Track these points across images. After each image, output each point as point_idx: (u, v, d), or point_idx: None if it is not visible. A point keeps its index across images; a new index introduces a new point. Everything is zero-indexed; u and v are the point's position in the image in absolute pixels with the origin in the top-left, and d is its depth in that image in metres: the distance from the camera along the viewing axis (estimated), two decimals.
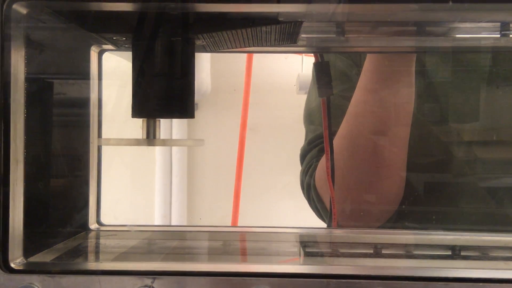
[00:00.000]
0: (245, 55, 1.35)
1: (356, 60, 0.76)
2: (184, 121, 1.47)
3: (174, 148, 1.55)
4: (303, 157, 0.78)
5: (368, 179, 0.68)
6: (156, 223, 1.55)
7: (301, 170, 0.79)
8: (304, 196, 0.78)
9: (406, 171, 0.68)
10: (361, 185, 0.68)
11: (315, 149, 0.76)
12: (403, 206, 0.69)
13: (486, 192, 0.71)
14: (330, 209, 0.66)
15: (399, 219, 0.70)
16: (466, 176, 0.72)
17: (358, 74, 0.73)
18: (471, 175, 0.72)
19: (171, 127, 1.51)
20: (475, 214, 0.71)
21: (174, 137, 1.49)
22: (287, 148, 1.37)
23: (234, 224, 1.34)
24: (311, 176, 0.74)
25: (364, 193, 0.68)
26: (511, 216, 0.71)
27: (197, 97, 1.44)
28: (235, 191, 1.37)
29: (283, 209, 1.43)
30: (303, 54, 1.29)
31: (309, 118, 0.80)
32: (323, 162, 0.71)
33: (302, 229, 0.65)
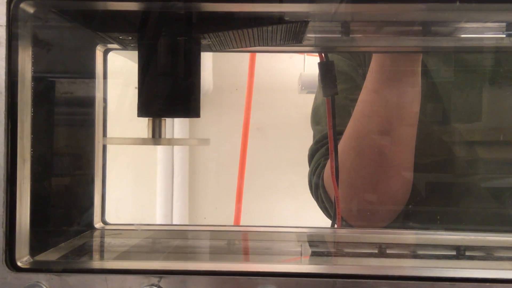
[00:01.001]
0: (247, 54, 1.35)
1: (359, 61, 0.76)
2: (186, 120, 1.47)
3: (176, 148, 1.55)
4: (311, 157, 0.78)
5: (375, 179, 0.68)
6: (157, 223, 1.55)
7: (309, 170, 0.79)
8: (312, 195, 0.78)
9: (412, 171, 0.68)
10: (368, 184, 0.68)
11: (323, 148, 0.76)
12: (410, 206, 0.69)
13: (491, 192, 0.71)
14: (334, 208, 0.66)
15: (406, 218, 0.70)
16: (472, 176, 0.72)
17: (361, 75, 0.73)
18: (477, 175, 0.72)
19: (172, 126, 1.51)
20: (480, 214, 0.71)
21: (176, 136, 1.49)
22: (289, 147, 1.37)
23: (237, 224, 1.34)
24: (319, 175, 0.75)
25: (371, 193, 0.68)
26: None
27: None
28: (238, 190, 1.37)
29: (285, 209, 1.43)
30: (306, 53, 1.29)
31: (316, 118, 0.80)
32: None
33: (305, 229, 0.65)
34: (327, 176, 0.72)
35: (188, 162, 1.55)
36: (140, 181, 1.57)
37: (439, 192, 0.71)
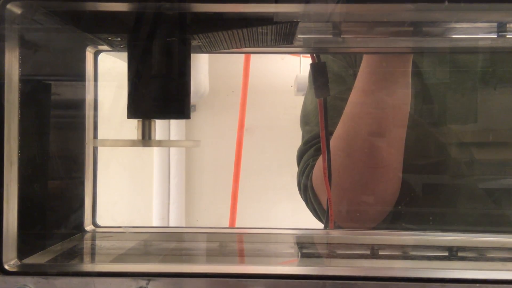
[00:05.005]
0: (243, 57, 1.35)
1: (351, 61, 0.75)
2: (182, 122, 1.47)
3: (172, 150, 1.54)
4: (299, 157, 0.78)
5: (364, 180, 0.68)
6: (154, 225, 1.55)
7: (298, 171, 0.79)
8: (301, 196, 0.78)
9: (401, 172, 0.67)
10: (357, 185, 0.68)
11: (311, 149, 0.75)
12: (399, 207, 0.69)
13: (481, 192, 0.70)
14: (327, 210, 0.66)
15: (394, 219, 0.70)
16: (462, 177, 0.71)
17: (352, 75, 0.73)
18: (466, 176, 0.72)
19: (169, 128, 1.51)
20: (470, 215, 0.71)
21: (172, 138, 1.49)
22: (285, 149, 1.37)
23: (232, 226, 1.34)
24: (308, 176, 0.74)
25: (360, 194, 0.68)
26: (507, 217, 0.71)
27: (195, 99, 1.44)
28: (233, 192, 1.37)
29: (280, 210, 1.43)
30: (301, 55, 1.29)
31: (305, 119, 0.80)
32: (320, 162, 0.71)
33: (299, 230, 0.65)
34: (316, 177, 0.72)
35: (184, 164, 1.55)
36: (137, 184, 1.57)
37: (428, 193, 0.71)
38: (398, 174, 0.67)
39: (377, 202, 0.68)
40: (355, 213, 0.68)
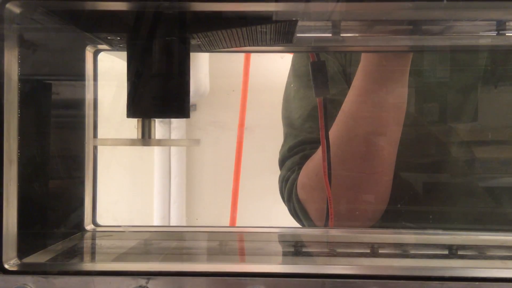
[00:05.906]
0: (243, 55, 1.35)
1: (342, 60, 0.74)
2: (182, 121, 1.47)
3: (173, 149, 1.54)
4: (282, 162, 0.76)
5: (357, 180, 0.67)
6: (155, 224, 1.55)
7: (280, 176, 0.77)
8: (284, 203, 0.76)
9: (393, 171, 0.67)
10: (350, 186, 0.67)
11: (297, 156, 0.74)
12: (397, 206, 0.69)
13: (480, 191, 0.70)
14: (327, 208, 0.65)
15: (391, 218, 0.69)
16: (457, 176, 0.71)
17: (342, 73, 0.73)
18: (462, 175, 0.71)
19: (169, 128, 1.50)
20: (470, 213, 0.71)
21: (172, 137, 1.49)
22: None
23: (232, 225, 1.34)
24: (292, 184, 0.73)
25: (353, 194, 0.67)
26: (507, 215, 0.71)
27: (195, 98, 1.44)
28: (233, 191, 1.37)
29: (281, 209, 1.42)
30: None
31: (288, 120, 0.77)
32: (306, 169, 0.70)
33: (299, 229, 0.64)
34: (302, 186, 0.71)
35: (185, 163, 1.55)
36: (138, 183, 1.56)
37: (427, 192, 0.70)
38: (391, 173, 0.66)
39: (370, 202, 0.67)
40: (346, 215, 0.67)
